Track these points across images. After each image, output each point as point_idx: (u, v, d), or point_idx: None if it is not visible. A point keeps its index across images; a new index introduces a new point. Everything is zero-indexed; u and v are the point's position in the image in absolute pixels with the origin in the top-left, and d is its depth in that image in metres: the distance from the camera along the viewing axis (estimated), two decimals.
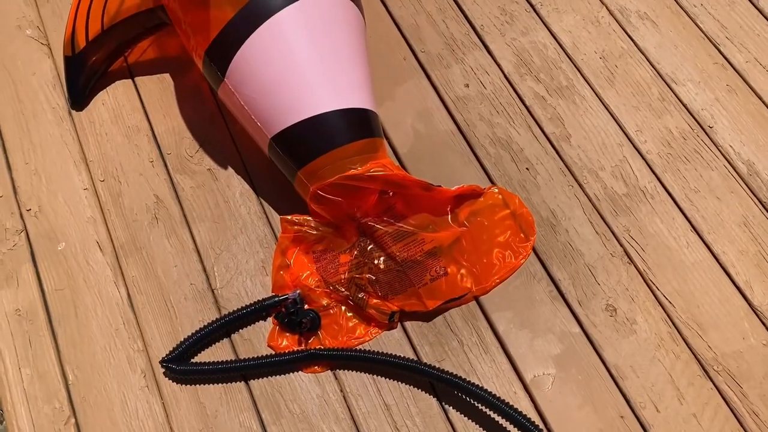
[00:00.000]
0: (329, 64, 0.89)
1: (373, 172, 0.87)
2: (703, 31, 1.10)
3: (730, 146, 1.00)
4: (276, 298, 0.89)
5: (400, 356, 0.85)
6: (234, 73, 0.89)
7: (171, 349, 0.87)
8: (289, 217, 0.92)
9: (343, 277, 0.89)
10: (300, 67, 0.87)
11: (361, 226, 0.90)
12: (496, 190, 0.95)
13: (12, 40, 1.12)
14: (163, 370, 0.87)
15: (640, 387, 0.85)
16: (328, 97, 0.87)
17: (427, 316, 0.89)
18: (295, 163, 0.89)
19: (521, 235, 0.93)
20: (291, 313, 0.88)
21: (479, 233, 0.91)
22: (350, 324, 0.89)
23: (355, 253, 0.89)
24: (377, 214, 0.90)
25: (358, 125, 0.88)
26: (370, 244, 0.89)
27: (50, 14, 1.14)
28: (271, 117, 0.88)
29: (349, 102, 0.88)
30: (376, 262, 0.88)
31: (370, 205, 0.90)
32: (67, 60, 1.04)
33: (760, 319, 0.89)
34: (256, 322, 0.90)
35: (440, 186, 0.92)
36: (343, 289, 0.88)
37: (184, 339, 0.88)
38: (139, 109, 1.06)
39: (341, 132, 0.87)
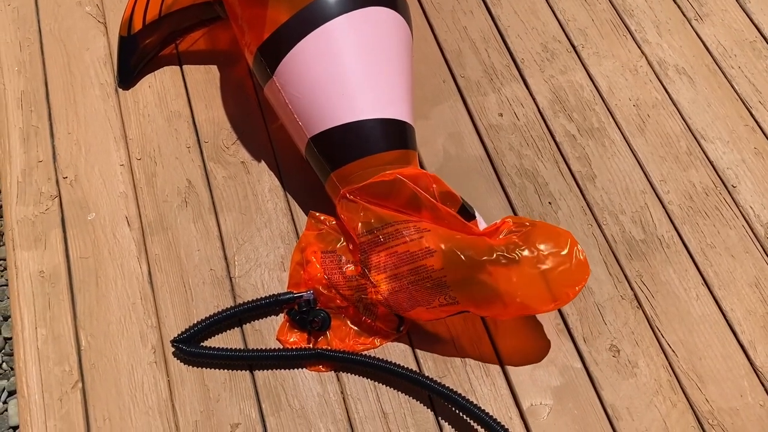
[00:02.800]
0: (374, 74, 0.92)
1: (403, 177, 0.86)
2: (737, 93, 1.12)
3: (751, 207, 1.02)
4: (291, 295, 0.92)
5: (403, 366, 0.87)
6: (283, 71, 0.92)
7: (183, 329, 0.90)
8: (317, 214, 0.94)
9: (349, 292, 0.90)
10: (346, 73, 0.91)
11: (362, 245, 0.88)
12: (538, 224, 0.84)
13: (71, 14, 1.16)
14: (173, 349, 0.90)
15: (633, 430, 0.86)
16: (370, 106, 0.90)
17: (435, 333, 0.91)
18: (330, 165, 0.92)
19: (557, 290, 0.81)
20: (303, 311, 0.91)
21: (504, 277, 0.82)
22: (358, 328, 0.91)
23: (360, 272, 0.89)
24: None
25: (394, 136, 0.91)
26: (374, 263, 0.87)
27: None
28: (313, 118, 0.91)
29: (389, 113, 0.91)
30: (380, 281, 0.87)
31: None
32: (122, 40, 1.08)
33: (760, 380, 0.90)
34: (269, 316, 0.92)
35: (474, 220, 0.87)
36: (352, 302, 0.89)
37: (197, 322, 0.90)
38: (183, 96, 1.09)
39: (378, 140, 0.90)
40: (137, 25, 1.06)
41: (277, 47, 0.93)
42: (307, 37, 0.91)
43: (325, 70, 0.91)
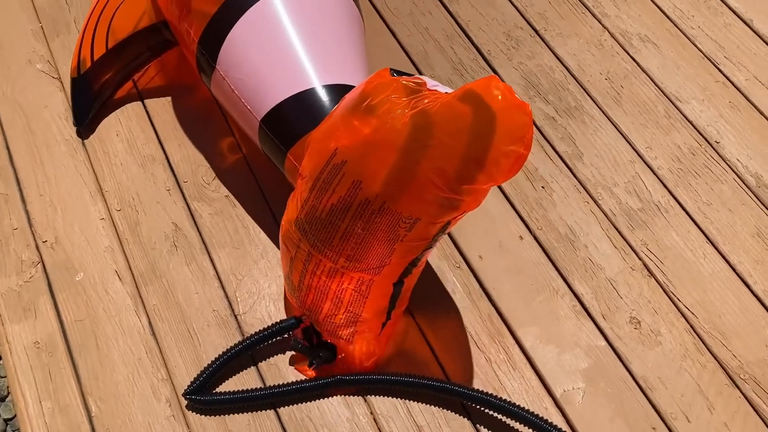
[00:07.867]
0: (317, 42, 0.87)
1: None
2: (702, 52, 1.14)
3: (738, 160, 1.03)
4: (293, 320, 0.87)
5: (428, 377, 0.85)
6: (224, 58, 0.88)
7: (192, 379, 0.86)
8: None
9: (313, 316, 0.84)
10: (286, 45, 0.86)
11: (302, 226, 0.77)
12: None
13: (23, 74, 1.12)
14: (187, 402, 0.85)
15: (669, 398, 0.85)
16: (316, 73, 0.85)
17: (455, 336, 0.89)
18: (284, 144, 0.86)
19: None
20: (307, 342, 0.87)
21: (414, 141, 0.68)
22: (357, 346, 0.86)
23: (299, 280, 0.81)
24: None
25: None
26: (323, 231, 0.76)
27: (60, 48, 1.14)
28: (260, 97, 0.87)
29: (338, 78, 0.85)
30: (336, 248, 0.76)
31: None
32: (74, 81, 1.05)
33: None
34: (282, 350, 0.89)
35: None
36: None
37: (204, 368, 0.86)
38: (154, 139, 1.06)
39: (330, 107, 0.83)
40: (86, 63, 1.03)
41: (214, 36, 0.89)
42: (241, 18, 0.87)
43: (264, 46, 0.87)
